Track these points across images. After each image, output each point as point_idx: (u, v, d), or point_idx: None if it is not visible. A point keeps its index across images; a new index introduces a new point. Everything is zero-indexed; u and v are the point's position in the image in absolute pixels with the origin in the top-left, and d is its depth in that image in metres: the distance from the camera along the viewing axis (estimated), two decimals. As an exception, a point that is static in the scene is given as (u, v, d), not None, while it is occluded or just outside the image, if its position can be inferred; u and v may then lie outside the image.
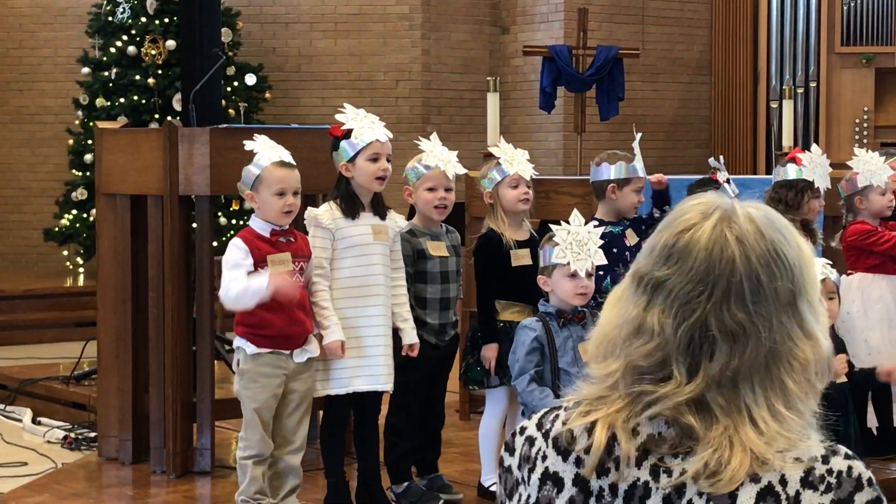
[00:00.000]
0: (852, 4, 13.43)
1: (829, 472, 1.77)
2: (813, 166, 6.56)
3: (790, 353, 1.80)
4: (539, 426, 1.92)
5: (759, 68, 13.75)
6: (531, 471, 1.90)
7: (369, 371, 5.44)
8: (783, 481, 1.75)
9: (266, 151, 5.34)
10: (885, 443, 6.67)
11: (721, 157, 6.91)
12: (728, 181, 6.53)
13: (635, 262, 1.90)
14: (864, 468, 1.81)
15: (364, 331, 5.44)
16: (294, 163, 5.38)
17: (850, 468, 1.79)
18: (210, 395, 6.29)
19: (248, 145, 5.38)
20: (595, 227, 5.36)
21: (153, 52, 12.12)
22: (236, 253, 5.24)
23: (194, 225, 6.47)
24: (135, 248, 6.48)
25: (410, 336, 5.56)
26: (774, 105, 13.40)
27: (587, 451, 1.84)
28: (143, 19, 12.12)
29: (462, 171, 5.80)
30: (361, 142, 5.40)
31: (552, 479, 1.87)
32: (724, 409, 1.79)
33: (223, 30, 11.12)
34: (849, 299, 5.90)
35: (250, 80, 12.40)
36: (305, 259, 5.35)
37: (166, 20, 12.07)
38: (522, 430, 1.94)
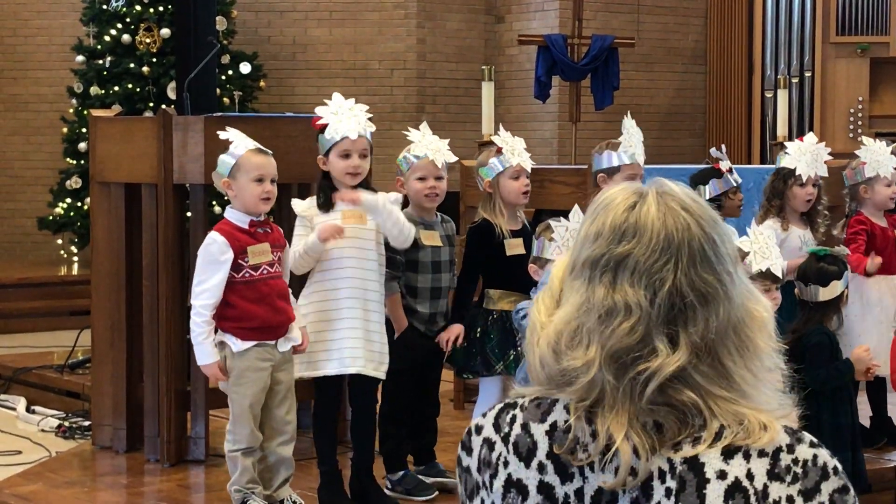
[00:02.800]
0: (847, -6, 13.43)
1: (795, 461, 1.77)
2: (799, 154, 6.54)
3: (749, 312, 1.82)
4: (496, 427, 1.88)
5: (754, 58, 13.75)
6: (493, 477, 1.86)
7: (339, 354, 5.41)
8: (750, 475, 1.75)
9: (241, 139, 5.33)
10: (878, 432, 6.69)
11: (723, 147, 6.91)
12: (731, 170, 6.53)
13: (577, 252, 1.87)
14: (829, 456, 1.80)
15: (332, 314, 5.41)
16: (269, 151, 5.37)
17: (815, 456, 1.79)
18: (204, 384, 6.28)
19: (223, 135, 5.37)
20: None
21: (148, 40, 12.10)
22: (212, 247, 5.21)
23: (189, 214, 6.46)
24: (129, 237, 6.47)
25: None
26: (769, 95, 13.39)
27: (601, 461, 1.79)
28: (138, 7, 12.10)
29: (453, 159, 5.78)
30: (334, 137, 5.39)
31: (516, 487, 1.84)
32: (710, 378, 1.78)
33: (218, 18, 11.10)
34: (849, 299, 5.88)
35: (245, 68, 12.39)
36: (282, 248, 5.36)
37: (161, 8, 12.06)
38: (479, 428, 1.91)
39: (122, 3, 12.18)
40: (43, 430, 7.58)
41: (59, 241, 13.22)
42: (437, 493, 5.76)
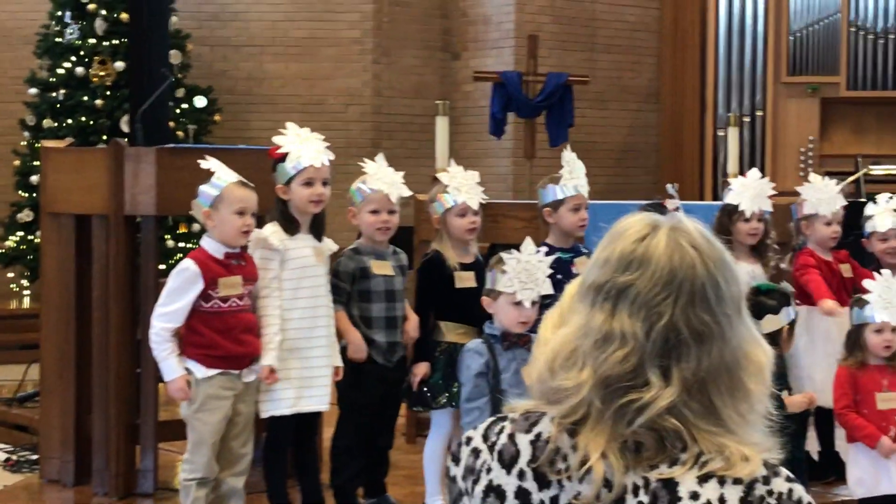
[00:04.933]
0: (798, 35, 13.58)
1: (770, 492, 1.81)
2: (742, 190, 6.59)
3: (746, 356, 1.86)
4: (485, 438, 1.94)
5: (707, 97, 13.86)
6: (475, 482, 1.92)
7: (313, 392, 5.44)
8: (721, 500, 1.78)
9: (224, 171, 5.33)
10: (827, 467, 6.72)
11: (676, 185, 6.95)
12: (678, 209, 6.56)
13: (586, 274, 1.91)
14: (804, 492, 1.84)
15: (311, 352, 5.44)
16: (252, 185, 5.38)
17: (790, 490, 1.83)
18: (153, 417, 6.25)
19: (204, 164, 5.36)
20: (546, 253, 5.38)
21: (102, 73, 12.06)
22: (185, 274, 5.22)
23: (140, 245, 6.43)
24: (79, 269, 6.44)
25: (337, 359, 5.57)
26: (721, 133, 13.50)
27: (580, 477, 1.83)
28: (92, 40, 12.07)
29: (407, 193, 5.81)
30: (297, 166, 5.40)
31: (495, 492, 1.89)
32: (697, 413, 1.81)
33: (173, 52, 11.08)
34: (795, 333, 5.91)
35: (200, 102, 12.37)
36: (253, 282, 5.35)
37: (115, 41, 12.03)
38: (469, 440, 1.97)
39: (76, 36, 12.13)
40: (-10, 464, 7.50)
41: (11, 275, 13.12)
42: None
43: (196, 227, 5.46)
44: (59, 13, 12.25)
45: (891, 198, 6.88)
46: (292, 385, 5.40)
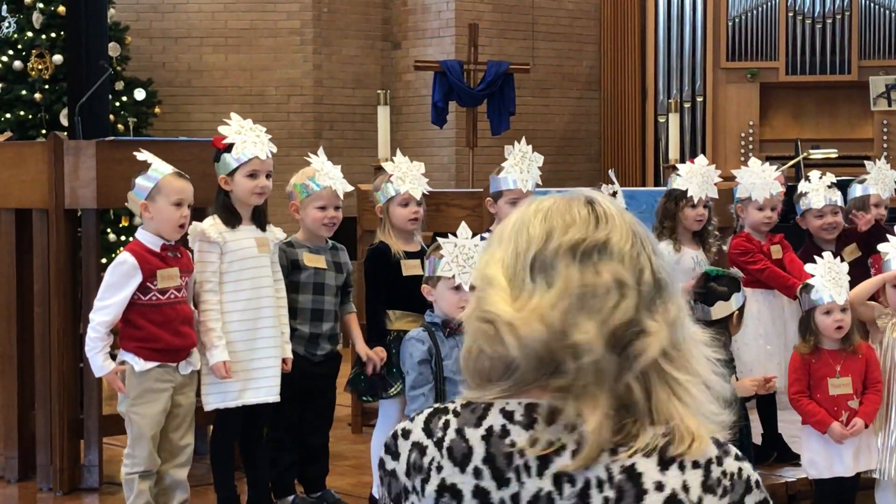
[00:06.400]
0: (737, 20, 13.68)
1: (724, 473, 1.81)
2: (690, 176, 6.63)
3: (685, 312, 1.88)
4: (428, 432, 1.87)
5: (647, 83, 13.94)
6: (425, 482, 1.85)
7: (260, 383, 5.43)
8: (685, 487, 1.78)
9: (160, 163, 5.30)
10: (769, 449, 6.79)
11: (611, 171, 7.00)
12: (615, 194, 6.60)
13: (524, 247, 1.86)
14: (751, 469, 1.85)
15: (256, 343, 5.43)
16: (188, 176, 5.36)
17: (740, 470, 1.83)
18: (97, 412, 6.22)
19: (141, 156, 5.33)
20: (483, 239, 5.39)
21: (40, 66, 11.95)
22: (122, 268, 5.19)
23: (81, 239, 6.39)
24: (20, 264, 6.39)
25: (285, 350, 5.55)
26: (662, 119, 13.59)
27: (539, 467, 1.79)
28: (30, 34, 11.95)
29: (349, 188, 5.80)
30: (241, 157, 5.38)
31: (450, 492, 1.83)
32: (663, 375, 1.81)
33: (111, 44, 11.00)
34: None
35: (139, 94, 12.28)
36: (189, 274, 5.34)
37: (53, 35, 11.91)
38: (406, 433, 1.89)
39: (13, 30, 12.02)
40: (-68, 462, 7.43)
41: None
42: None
43: (138, 220, 5.42)
44: (-4, 6, 12.13)
45: (823, 175, 6.95)
46: (238, 377, 5.38)
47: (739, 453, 1.86)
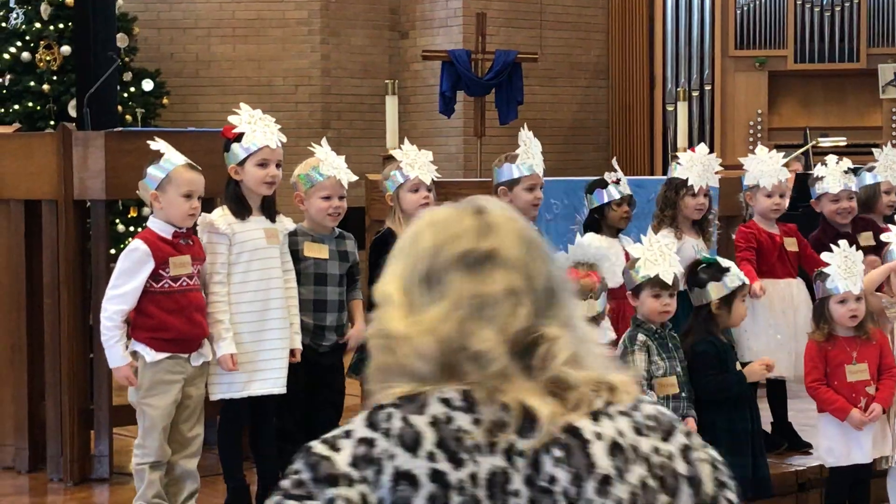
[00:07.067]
0: (745, 8, 13.65)
1: (647, 416, 1.93)
2: (691, 164, 6.61)
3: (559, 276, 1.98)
4: (373, 426, 1.87)
5: (655, 72, 13.92)
6: (378, 472, 1.85)
7: (267, 375, 5.43)
8: (621, 433, 1.89)
9: (173, 153, 5.30)
10: (779, 437, 6.79)
11: (614, 159, 6.99)
12: (618, 181, 6.58)
13: (415, 261, 1.92)
14: (667, 410, 1.99)
15: (264, 334, 5.43)
16: (200, 167, 5.36)
17: (659, 411, 1.97)
18: (108, 402, 6.23)
19: (154, 146, 5.33)
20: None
21: (48, 58, 11.95)
22: (135, 255, 5.20)
23: (90, 230, 6.39)
24: (29, 255, 6.40)
25: (294, 341, 5.54)
26: (670, 108, 13.57)
27: (489, 444, 1.84)
28: (38, 25, 11.95)
29: (353, 178, 5.76)
30: (252, 146, 5.38)
31: (405, 478, 1.84)
32: (576, 358, 1.90)
33: (119, 35, 11.00)
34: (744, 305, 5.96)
35: (147, 85, 12.28)
36: (201, 262, 5.34)
37: (61, 25, 11.91)
38: (347, 433, 1.89)
39: (21, 21, 12.02)
40: (-57, 453, 7.45)
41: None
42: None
43: (147, 210, 5.43)
44: (4, -2, 12.13)
45: (840, 160, 6.94)
46: (244, 368, 5.39)
47: (648, 397, 1.99)
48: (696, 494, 1.94)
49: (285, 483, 1.91)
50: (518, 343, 1.87)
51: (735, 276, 5.64)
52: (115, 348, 5.20)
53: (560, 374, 1.88)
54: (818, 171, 6.94)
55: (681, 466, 1.92)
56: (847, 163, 6.95)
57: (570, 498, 1.84)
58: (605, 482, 1.85)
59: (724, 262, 5.74)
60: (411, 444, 1.85)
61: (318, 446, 1.91)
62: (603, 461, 1.86)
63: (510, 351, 1.86)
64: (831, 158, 6.95)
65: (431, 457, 1.84)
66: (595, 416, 1.88)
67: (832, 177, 6.84)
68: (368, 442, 1.87)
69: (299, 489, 1.87)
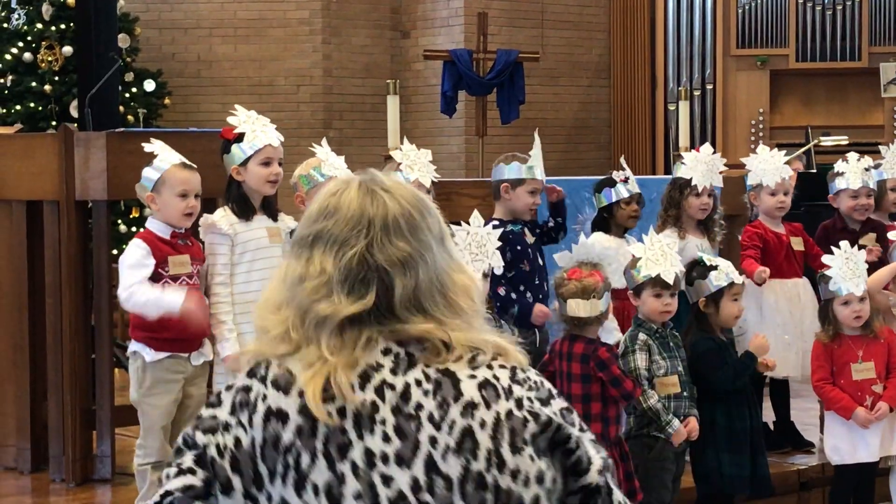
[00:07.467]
0: (747, 7, 13.65)
1: (528, 378, 2.08)
2: (695, 164, 6.60)
3: (453, 279, 2.10)
4: (252, 375, 2.06)
5: (657, 71, 13.92)
6: (252, 413, 2.03)
7: None
8: (495, 377, 2.04)
9: (167, 153, 5.30)
10: (782, 437, 6.79)
11: (622, 158, 6.98)
12: (626, 180, 6.57)
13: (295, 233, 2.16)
14: (549, 383, 2.13)
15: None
16: (195, 165, 5.36)
17: (542, 380, 2.11)
18: (110, 402, 6.23)
19: (148, 147, 5.34)
20: (494, 227, 5.39)
21: (49, 58, 11.96)
22: (137, 252, 5.20)
23: (91, 230, 6.39)
24: (31, 255, 6.40)
25: None
26: (672, 107, 13.57)
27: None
28: (39, 25, 11.96)
29: None
30: (254, 146, 5.37)
31: (276, 415, 2.01)
32: (425, 321, 2.04)
33: (121, 35, 11.01)
34: (744, 304, 5.94)
35: (149, 86, 12.29)
36: (200, 262, 5.35)
37: (62, 26, 11.92)
38: (229, 387, 2.09)
39: (23, 21, 12.03)
40: (-55, 454, 7.45)
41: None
42: None
43: (148, 211, 5.43)
44: (5, -1, 12.14)
45: (861, 157, 6.94)
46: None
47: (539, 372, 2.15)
48: (565, 443, 2.04)
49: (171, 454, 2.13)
50: (307, 313, 2.03)
51: (722, 274, 5.58)
52: (163, 297, 5.08)
53: (424, 335, 2.04)
54: (838, 166, 6.93)
55: (550, 413, 2.05)
56: (868, 160, 6.95)
57: (435, 421, 1.99)
58: (471, 406, 2.00)
59: (713, 261, 5.70)
60: (284, 385, 2.02)
61: (204, 410, 2.10)
62: (471, 391, 2.01)
63: (303, 322, 2.03)
64: (852, 155, 6.94)
65: (301, 394, 2.00)
66: (474, 366, 2.04)
67: (853, 173, 6.83)
68: (245, 389, 2.05)
69: (177, 455, 2.11)
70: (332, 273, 2.03)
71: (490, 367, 2.05)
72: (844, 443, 5.82)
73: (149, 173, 5.27)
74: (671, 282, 5.39)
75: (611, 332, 5.69)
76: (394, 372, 2.01)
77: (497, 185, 6.14)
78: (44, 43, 11.97)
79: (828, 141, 12.34)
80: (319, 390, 1.98)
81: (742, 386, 5.59)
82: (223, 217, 5.39)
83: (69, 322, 6.18)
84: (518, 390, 2.04)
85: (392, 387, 2.01)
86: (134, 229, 11.41)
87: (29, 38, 12.01)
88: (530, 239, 6.10)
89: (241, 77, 13.36)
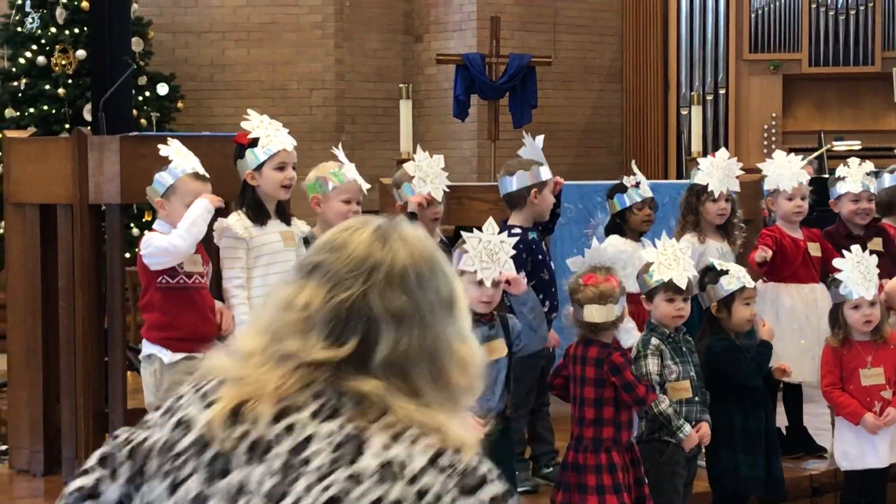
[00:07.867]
0: (760, 12, 13.64)
1: (455, 463, 1.88)
2: (711, 170, 6.60)
3: (452, 350, 1.96)
4: (195, 387, 2.06)
5: (670, 75, 13.91)
6: (171, 418, 2.03)
7: None
8: (409, 457, 1.87)
9: (181, 160, 5.31)
10: (795, 442, 6.78)
11: (633, 162, 6.98)
12: (637, 185, 6.56)
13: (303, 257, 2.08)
14: (489, 469, 1.90)
15: None
16: (208, 175, 5.37)
17: (479, 466, 1.89)
18: (122, 405, 6.24)
19: (163, 151, 5.35)
20: (515, 234, 5.40)
21: (63, 62, 11.99)
22: (155, 240, 5.27)
23: (105, 234, 6.41)
24: (44, 258, 6.42)
25: None
26: (684, 112, 13.56)
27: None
28: (53, 29, 11.99)
29: (366, 186, 5.75)
30: (269, 150, 5.38)
31: (184, 423, 2.01)
32: (397, 390, 1.92)
33: (134, 39, 11.02)
34: (760, 308, 5.93)
35: (162, 89, 12.31)
36: (207, 263, 5.38)
37: (76, 30, 11.95)
38: (181, 396, 2.08)
39: (36, 25, 12.06)
40: (-41, 456, 7.47)
41: (-25, 266, 13.05)
42: None
43: (158, 211, 5.46)
44: (20, 2, 12.17)
45: (862, 162, 6.93)
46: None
47: (493, 467, 1.91)
48: None
49: None
50: (280, 341, 1.96)
51: (734, 278, 5.59)
52: (185, 219, 5.17)
53: (358, 389, 1.92)
54: (840, 171, 6.93)
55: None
56: (869, 165, 6.94)
57: (320, 475, 1.86)
58: (358, 477, 1.85)
59: (724, 266, 5.71)
60: (210, 399, 2.00)
61: (152, 414, 2.10)
62: (369, 462, 1.86)
63: (273, 352, 1.96)
64: (853, 160, 6.94)
65: (211, 406, 1.98)
66: (396, 439, 1.88)
67: (854, 177, 6.83)
68: (179, 396, 2.05)
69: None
70: (315, 311, 1.94)
71: (414, 442, 1.89)
72: (853, 448, 5.81)
73: (162, 178, 5.28)
74: (683, 286, 5.39)
75: (629, 333, 5.69)
76: (313, 416, 1.92)
77: (523, 191, 6.04)
78: (57, 47, 12.00)
79: (840, 146, 12.33)
80: (228, 410, 1.95)
81: (758, 385, 5.60)
82: (238, 221, 5.40)
83: (82, 325, 6.19)
84: (429, 478, 1.86)
85: (303, 429, 1.91)
86: (147, 232, 11.43)
87: (43, 41, 12.04)
88: (545, 244, 6.11)
89: (254, 81, 13.37)
